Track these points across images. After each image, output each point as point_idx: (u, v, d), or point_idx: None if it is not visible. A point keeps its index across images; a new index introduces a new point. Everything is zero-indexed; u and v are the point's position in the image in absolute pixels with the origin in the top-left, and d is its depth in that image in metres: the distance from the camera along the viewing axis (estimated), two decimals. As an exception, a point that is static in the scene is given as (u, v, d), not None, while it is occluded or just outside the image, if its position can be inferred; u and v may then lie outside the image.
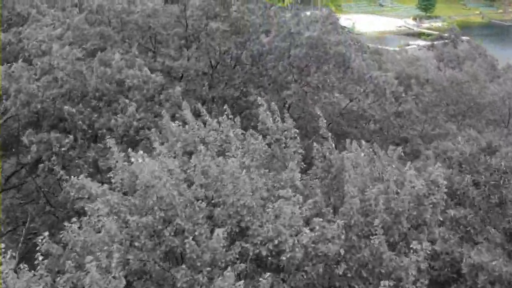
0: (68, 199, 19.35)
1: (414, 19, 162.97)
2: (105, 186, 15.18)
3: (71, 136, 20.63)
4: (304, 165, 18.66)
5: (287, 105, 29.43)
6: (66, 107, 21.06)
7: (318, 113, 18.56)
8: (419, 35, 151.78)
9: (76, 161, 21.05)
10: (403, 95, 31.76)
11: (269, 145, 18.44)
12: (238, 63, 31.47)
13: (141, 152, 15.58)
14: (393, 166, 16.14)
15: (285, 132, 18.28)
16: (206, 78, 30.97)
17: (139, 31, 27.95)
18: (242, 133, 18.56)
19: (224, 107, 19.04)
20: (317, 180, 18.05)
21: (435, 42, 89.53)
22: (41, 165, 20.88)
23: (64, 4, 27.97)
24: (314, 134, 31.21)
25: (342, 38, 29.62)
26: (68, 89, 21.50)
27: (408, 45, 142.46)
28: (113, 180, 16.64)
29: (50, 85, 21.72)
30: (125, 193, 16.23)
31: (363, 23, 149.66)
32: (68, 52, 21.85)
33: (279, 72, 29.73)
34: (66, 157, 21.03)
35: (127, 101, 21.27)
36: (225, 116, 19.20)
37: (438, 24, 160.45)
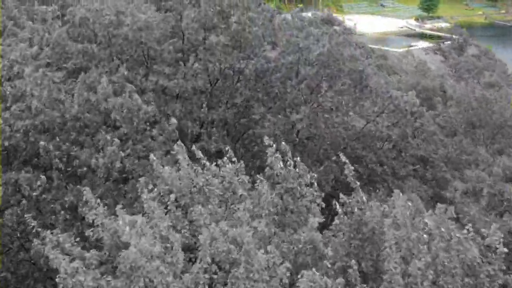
0: (40, 255, 16.07)
1: (416, 19, 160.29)
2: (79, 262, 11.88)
3: (44, 177, 17.30)
4: (323, 218, 15.35)
5: (296, 129, 26.16)
6: (41, 142, 17.73)
7: (343, 159, 15.21)
8: (421, 36, 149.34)
9: (52, 205, 17.74)
10: (425, 114, 28.46)
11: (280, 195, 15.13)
12: (240, 80, 28.19)
13: (126, 217, 12.27)
14: (442, 229, 12.83)
15: (300, 180, 14.96)
16: (205, 96, 27.65)
17: (129, 47, 24.58)
18: (249, 181, 15.20)
19: (227, 148, 15.68)
20: (342, 238, 14.74)
21: (442, 45, 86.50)
22: (8, 211, 17.58)
23: (44, 15, 24.56)
24: (326, 159, 27.98)
25: (357, 52, 26.34)
26: (43, 120, 18.17)
27: (411, 46, 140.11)
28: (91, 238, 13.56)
29: (22, 115, 18.40)
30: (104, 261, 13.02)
31: (364, 24, 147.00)
32: (43, 76, 18.50)
33: (286, 90, 26.42)
34: (39, 200, 17.72)
35: (108, 137, 17.89)
36: (226, 158, 15.85)
37: (441, 24, 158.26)
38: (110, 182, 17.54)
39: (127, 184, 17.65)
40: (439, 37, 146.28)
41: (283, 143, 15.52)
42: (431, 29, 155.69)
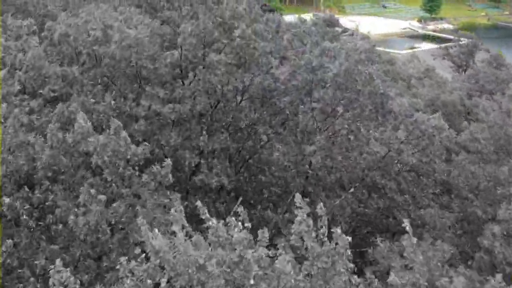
0: None
1: (419, 21, 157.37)
2: None
3: (10, 241, 13.96)
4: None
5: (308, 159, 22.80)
6: (5, 199, 14.35)
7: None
8: (424, 37, 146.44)
9: (19, 271, 14.42)
10: (453, 140, 25.14)
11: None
12: (244, 99, 24.90)
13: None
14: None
15: (336, 257, 11.60)
16: (205, 120, 24.33)
17: (118, 67, 21.28)
18: (266, 254, 11.83)
19: (238, 210, 12.35)
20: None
21: (451, 50, 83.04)
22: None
23: (19, 31, 21.19)
24: (343, 190, 24.70)
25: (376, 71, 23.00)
26: (9, 171, 14.80)
27: (414, 48, 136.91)
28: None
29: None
30: None
31: (366, 25, 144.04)
32: (9, 109, 15.16)
33: (296, 115, 23.12)
34: (5, 266, 14.40)
35: (92, 191, 14.46)
36: (232, 219, 12.53)
37: (444, 26, 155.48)
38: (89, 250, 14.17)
39: (109, 256, 14.26)
40: (442, 39, 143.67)
41: (320, 204, 12.10)
42: (434, 31, 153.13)
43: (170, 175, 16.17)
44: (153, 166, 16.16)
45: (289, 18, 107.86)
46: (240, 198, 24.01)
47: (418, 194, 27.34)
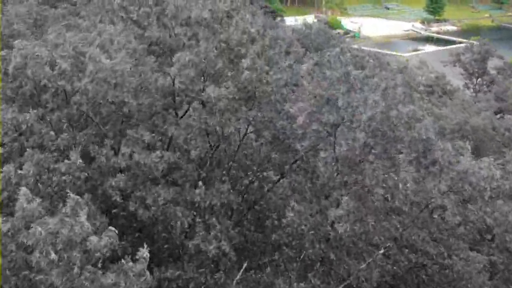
0: None
1: (422, 22, 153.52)
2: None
3: None
4: None
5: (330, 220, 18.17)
6: None
7: None
8: (426, 39, 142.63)
9: None
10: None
11: None
12: (251, 142, 20.33)
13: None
14: None
15: None
16: (203, 166, 19.74)
17: (91, 107, 16.68)
18: None
19: None
20: None
21: (462, 57, 78.62)
22: None
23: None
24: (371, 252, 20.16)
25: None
26: None
27: (418, 50, 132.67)
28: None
29: None
30: None
31: (368, 27, 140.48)
32: None
33: (316, 164, 18.51)
34: None
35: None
36: None
37: (447, 27, 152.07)
38: None
39: None
40: (447, 41, 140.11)
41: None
42: (437, 32, 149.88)
43: (147, 274, 11.59)
44: (123, 261, 11.59)
45: (290, 20, 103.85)
46: (245, 265, 19.52)
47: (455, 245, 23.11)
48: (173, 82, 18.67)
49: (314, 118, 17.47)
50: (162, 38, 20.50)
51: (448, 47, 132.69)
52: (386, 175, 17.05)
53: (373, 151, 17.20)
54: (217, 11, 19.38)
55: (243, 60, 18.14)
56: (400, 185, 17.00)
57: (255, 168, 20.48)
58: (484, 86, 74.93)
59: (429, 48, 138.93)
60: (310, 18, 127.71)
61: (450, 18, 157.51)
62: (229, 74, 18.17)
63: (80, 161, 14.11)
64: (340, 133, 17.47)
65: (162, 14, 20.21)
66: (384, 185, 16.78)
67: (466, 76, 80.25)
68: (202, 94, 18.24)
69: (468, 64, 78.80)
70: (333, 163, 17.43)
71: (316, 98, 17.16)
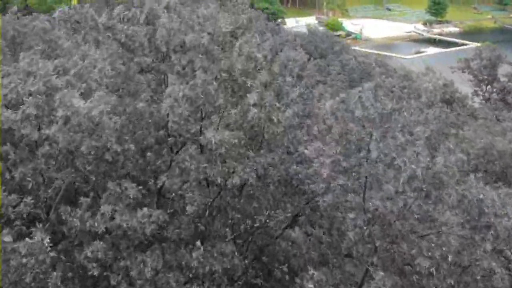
0: None
1: (424, 24, 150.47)
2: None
3: None
4: None
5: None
6: None
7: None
8: (429, 41, 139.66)
9: None
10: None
11: None
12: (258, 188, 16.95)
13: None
14: None
15: None
16: (201, 217, 16.36)
17: (62, 159, 13.33)
18: None
19: None
20: None
21: (472, 63, 75.22)
22: None
23: None
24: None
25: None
26: None
27: (420, 52, 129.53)
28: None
29: None
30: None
31: (370, 28, 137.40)
32: None
33: (340, 224, 15.13)
34: None
35: None
36: None
37: (450, 29, 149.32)
38: None
39: None
40: (449, 43, 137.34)
41: None
42: (440, 34, 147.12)
43: None
44: None
45: (291, 21, 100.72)
46: None
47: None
48: (167, 115, 15.37)
49: (339, 168, 14.10)
50: (155, 64, 17.17)
51: (451, 49, 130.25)
52: (431, 243, 13.68)
53: (416, 215, 13.83)
54: (218, 33, 16.01)
55: (248, 95, 14.77)
56: (450, 257, 13.65)
57: (263, 220, 17.13)
58: (494, 94, 71.62)
59: (432, 50, 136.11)
60: (311, 20, 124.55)
61: (452, 20, 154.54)
62: (232, 112, 14.80)
63: (43, 239, 10.70)
64: (371, 187, 14.09)
65: (153, 36, 16.85)
66: (429, 254, 13.41)
67: (475, 83, 76.72)
68: (200, 138, 14.89)
69: (477, 71, 75.27)
70: (364, 227, 14.04)
71: (344, 143, 13.80)
